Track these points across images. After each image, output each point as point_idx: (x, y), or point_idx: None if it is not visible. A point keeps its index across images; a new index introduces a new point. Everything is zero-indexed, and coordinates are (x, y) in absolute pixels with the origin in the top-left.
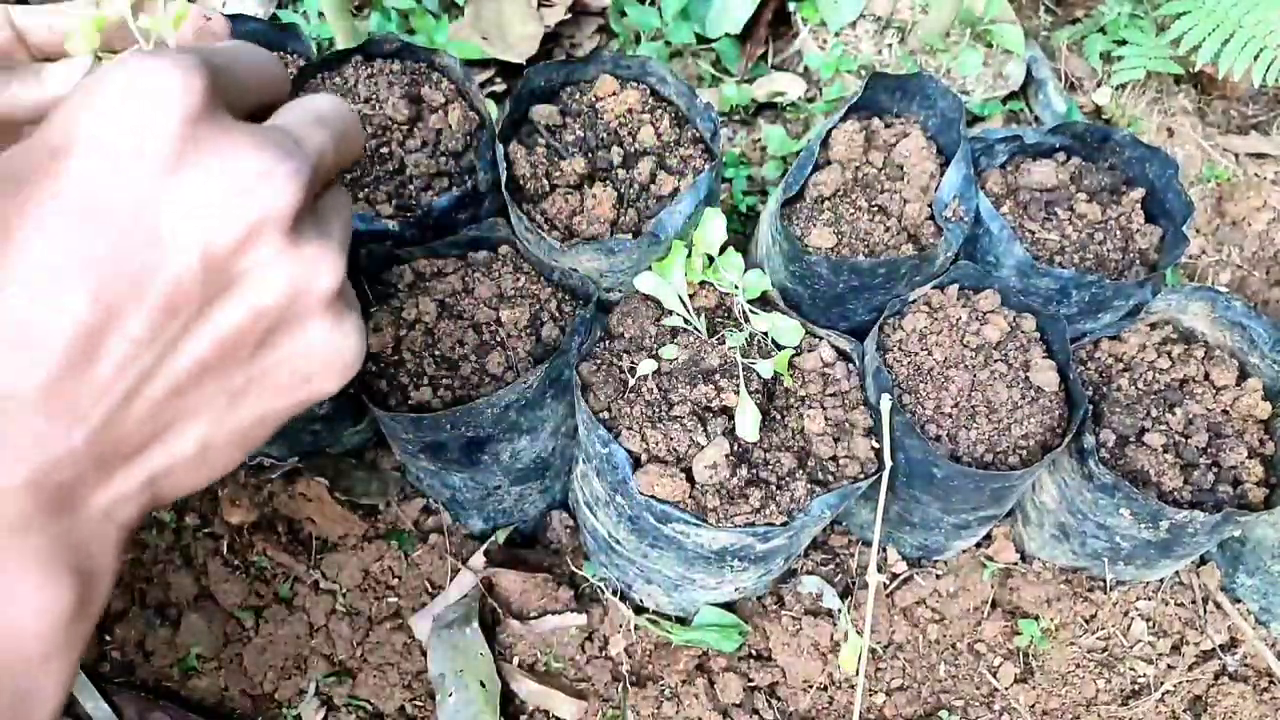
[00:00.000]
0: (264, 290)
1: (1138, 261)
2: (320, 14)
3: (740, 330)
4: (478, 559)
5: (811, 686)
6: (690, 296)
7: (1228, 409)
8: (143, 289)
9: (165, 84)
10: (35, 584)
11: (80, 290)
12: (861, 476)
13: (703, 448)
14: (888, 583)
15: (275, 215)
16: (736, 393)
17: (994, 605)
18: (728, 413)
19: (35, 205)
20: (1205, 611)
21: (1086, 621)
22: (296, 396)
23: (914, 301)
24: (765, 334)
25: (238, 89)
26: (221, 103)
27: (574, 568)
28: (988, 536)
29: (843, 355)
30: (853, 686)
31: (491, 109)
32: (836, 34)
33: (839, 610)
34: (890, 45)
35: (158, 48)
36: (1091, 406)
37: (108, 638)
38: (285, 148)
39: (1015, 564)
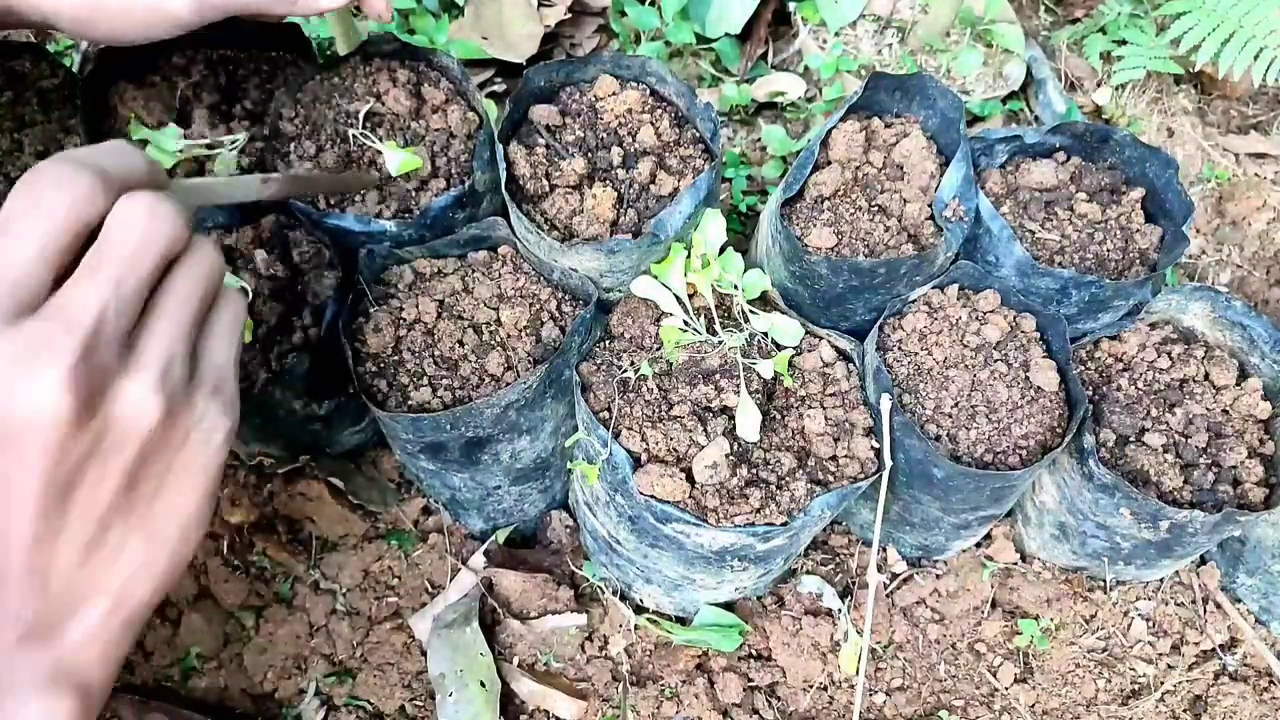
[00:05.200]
0: (113, 448)
1: (1138, 261)
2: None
3: (740, 330)
4: (478, 559)
5: (811, 686)
6: (690, 297)
7: (1228, 409)
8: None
9: None
10: (38, 704)
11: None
12: (861, 476)
13: (703, 448)
14: (888, 583)
15: (44, 406)
16: (736, 393)
17: (994, 605)
18: (728, 413)
19: None
20: (1205, 611)
21: (1086, 621)
22: (199, 488)
23: (914, 301)
24: (765, 334)
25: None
26: None
27: (574, 568)
28: (988, 536)
29: (843, 355)
30: (853, 686)
31: (491, 109)
32: (836, 34)
33: (839, 610)
34: (890, 45)
35: None
36: (1091, 406)
37: None
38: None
39: (1015, 564)
